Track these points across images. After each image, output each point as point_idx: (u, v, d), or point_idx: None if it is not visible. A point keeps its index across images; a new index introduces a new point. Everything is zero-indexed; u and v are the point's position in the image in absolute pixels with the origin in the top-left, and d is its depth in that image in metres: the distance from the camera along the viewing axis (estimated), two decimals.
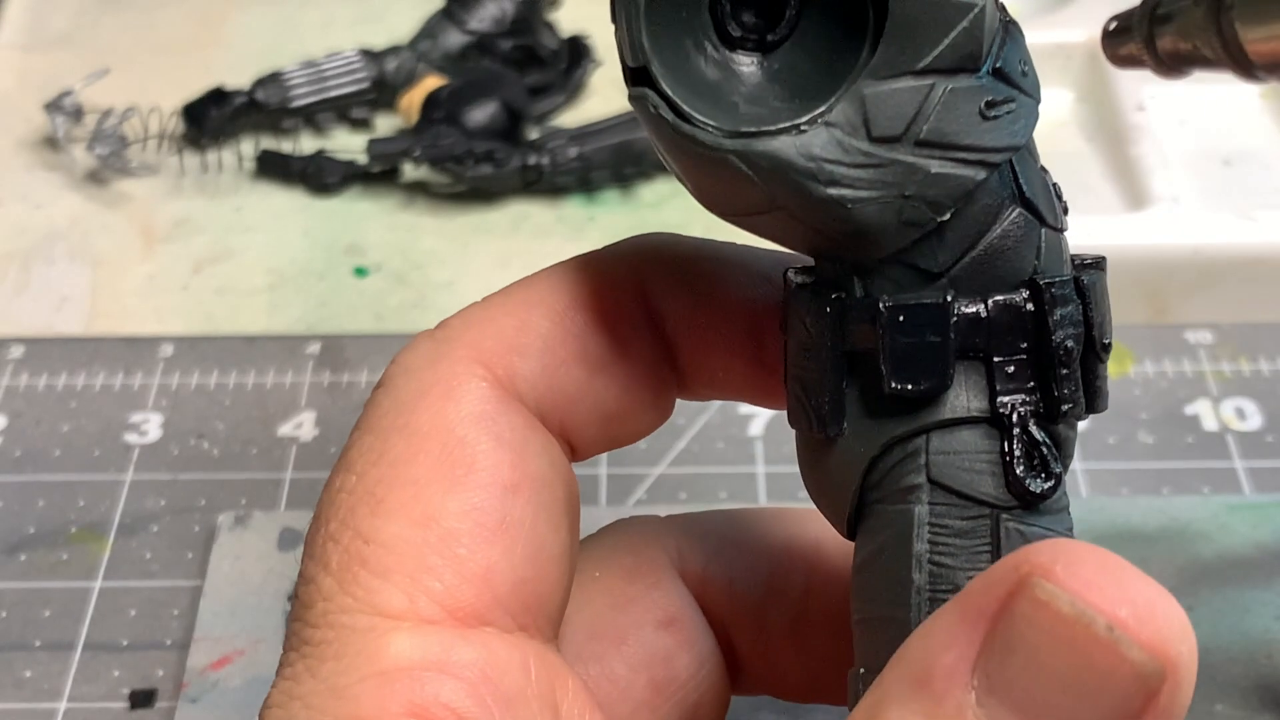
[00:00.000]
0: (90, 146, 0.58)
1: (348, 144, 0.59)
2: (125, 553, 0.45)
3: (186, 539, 0.45)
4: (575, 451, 0.28)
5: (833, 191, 0.24)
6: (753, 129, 0.24)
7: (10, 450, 0.48)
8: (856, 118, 0.24)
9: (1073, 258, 0.26)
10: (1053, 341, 0.24)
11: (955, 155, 0.24)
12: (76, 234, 0.57)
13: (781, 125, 0.24)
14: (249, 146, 0.59)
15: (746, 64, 0.25)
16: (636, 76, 0.25)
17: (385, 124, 0.61)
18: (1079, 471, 0.46)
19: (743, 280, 0.28)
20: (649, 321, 0.28)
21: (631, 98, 0.25)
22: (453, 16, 0.62)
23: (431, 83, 0.59)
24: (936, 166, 0.24)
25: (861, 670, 0.25)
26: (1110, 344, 0.26)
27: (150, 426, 0.49)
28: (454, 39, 0.62)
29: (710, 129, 0.24)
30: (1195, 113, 0.58)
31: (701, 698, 0.30)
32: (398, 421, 0.27)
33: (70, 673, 0.42)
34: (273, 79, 0.60)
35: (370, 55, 0.61)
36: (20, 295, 0.55)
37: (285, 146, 0.59)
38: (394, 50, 0.61)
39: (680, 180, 0.26)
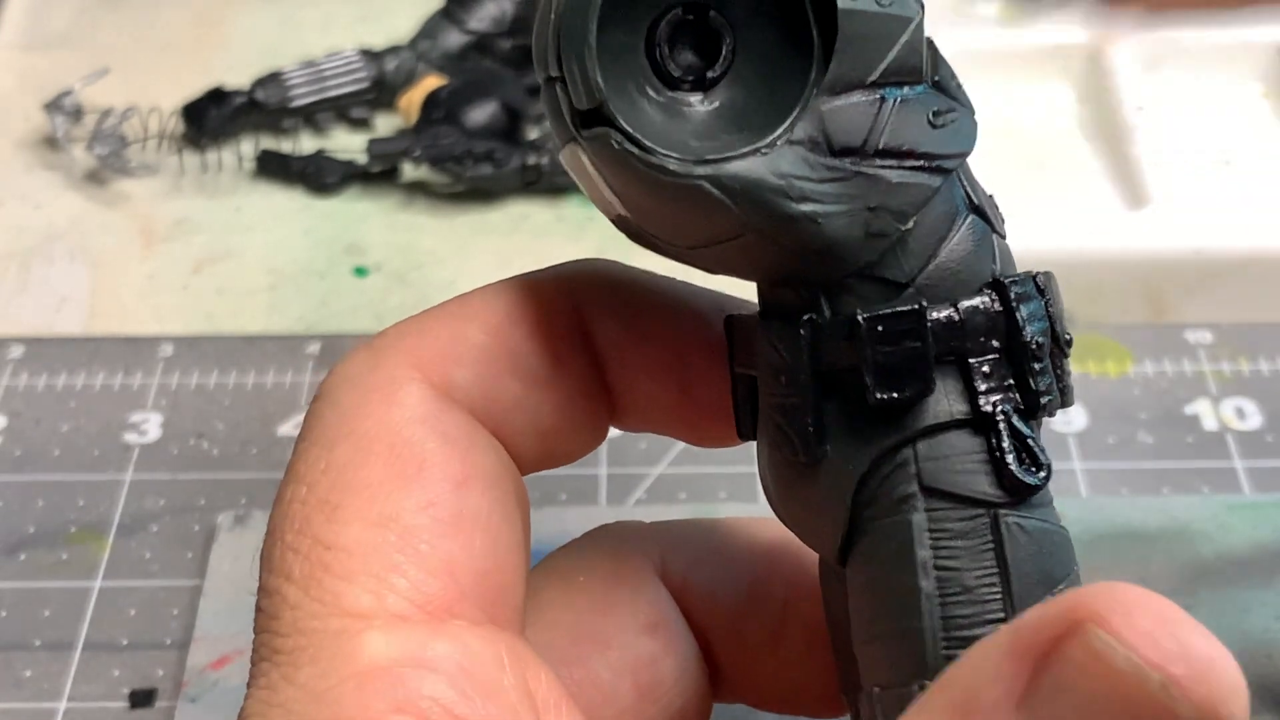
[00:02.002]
0: (90, 146, 0.58)
1: (348, 144, 0.59)
2: (125, 552, 0.45)
3: (186, 539, 0.45)
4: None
5: (804, 208, 0.24)
6: (719, 155, 0.24)
7: (10, 450, 0.48)
8: (817, 133, 0.24)
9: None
10: (1024, 337, 0.25)
11: (912, 163, 0.25)
12: (76, 234, 0.57)
13: (747, 149, 0.24)
14: (249, 146, 0.59)
15: (690, 102, 0.25)
16: (587, 119, 0.25)
17: (385, 124, 0.61)
18: (1079, 471, 0.46)
19: (677, 314, 0.29)
20: (584, 344, 0.28)
21: (586, 139, 0.25)
22: (452, 16, 0.62)
23: (431, 83, 0.59)
24: (896, 176, 0.25)
25: (876, 689, 0.25)
26: (1071, 339, 0.27)
27: (150, 426, 0.49)
28: (454, 39, 0.62)
29: (677, 158, 0.24)
30: (1195, 113, 0.58)
31: (686, 703, 0.30)
32: (342, 429, 0.27)
33: (70, 672, 0.42)
34: (273, 79, 0.60)
35: (370, 55, 0.61)
36: (20, 295, 0.55)
37: (285, 146, 0.59)
38: (394, 50, 0.61)
39: (630, 225, 0.26)
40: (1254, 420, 0.48)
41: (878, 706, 0.25)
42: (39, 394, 0.50)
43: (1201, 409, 0.48)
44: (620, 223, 0.27)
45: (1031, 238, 0.52)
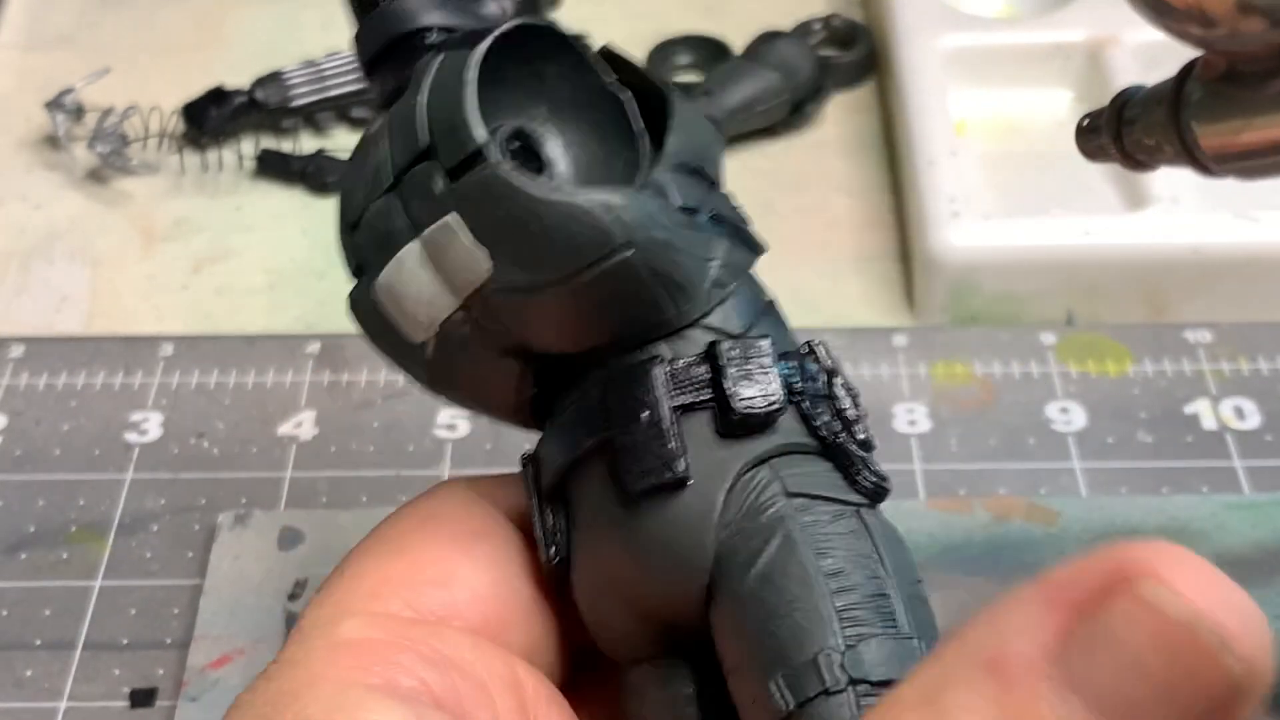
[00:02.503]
0: (91, 145, 0.58)
1: (347, 143, 0.59)
2: (125, 552, 0.45)
3: (186, 538, 0.45)
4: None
5: (668, 236, 0.27)
6: (595, 186, 0.28)
7: (10, 450, 0.48)
8: (667, 190, 0.28)
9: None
10: (836, 380, 0.29)
11: (736, 235, 0.29)
12: (76, 233, 0.57)
13: (615, 187, 0.27)
14: (249, 146, 0.59)
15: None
16: (458, 172, 0.27)
17: None
18: (1078, 471, 0.46)
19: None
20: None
21: (468, 184, 0.27)
22: None
23: None
24: (727, 242, 0.28)
25: (782, 675, 0.25)
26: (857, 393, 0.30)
27: (150, 426, 0.49)
28: None
29: (559, 185, 0.28)
30: None
31: None
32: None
33: (70, 672, 0.42)
34: (273, 78, 0.60)
35: None
36: (20, 295, 0.55)
37: (285, 146, 0.59)
38: None
39: (465, 318, 0.29)
40: (1253, 420, 0.48)
41: (784, 687, 0.25)
42: (39, 394, 0.50)
43: (1201, 408, 0.48)
44: (441, 343, 0.29)
45: (1032, 237, 0.52)
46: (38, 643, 0.43)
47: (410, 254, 0.27)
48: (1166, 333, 0.51)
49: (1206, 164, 0.28)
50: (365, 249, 0.28)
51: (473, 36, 0.29)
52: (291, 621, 0.42)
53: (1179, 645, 0.20)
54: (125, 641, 0.43)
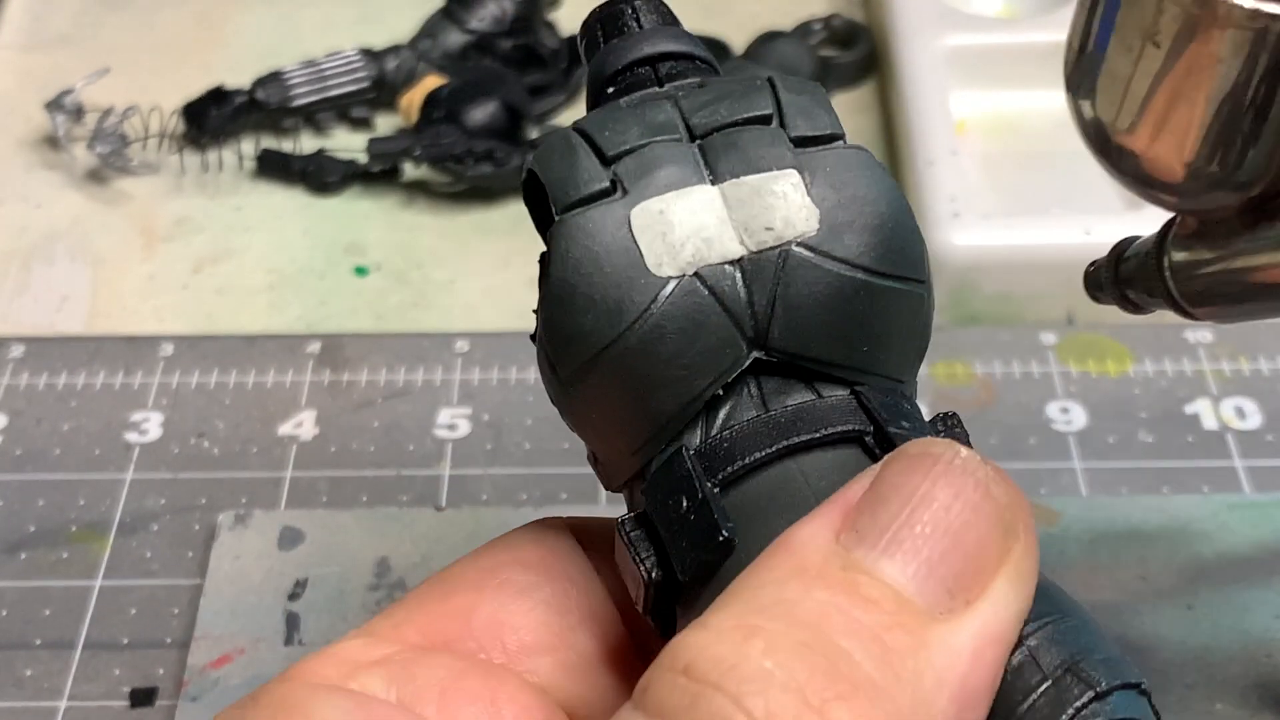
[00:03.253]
0: (91, 146, 0.58)
1: (348, 143, 0.59)
2: (125, 552, 0.45)
3: (187, 538, 0.45)
4: None
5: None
6: None
7: (10, 449, 0.48)
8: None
9: None
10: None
11: None
12: (77, 233, 0.57)
13: None
14: (249, 146, 0.59)
15: None
16: (811, 141, 0.27)
17: (385, 123, 0.61)
18: (1079, 471, 0.46)
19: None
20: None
21: (836, 154, 0.27)
22: (453, 16, 0.62)
23: (431, 82, 0.59)
24: None
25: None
26: None
27: (150, 425, 0.49)
28: (454, 38, 0.62)
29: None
30: None
31: None
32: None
33: (71, 671, 0.42)
34: (273, 78, 0.60)
35: (370, 55, 0.61)
36: (20, 295, 0.55)
37: (285, 146, 0.59)
38: (394, 50, 0.61)
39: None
40: (1254, 420, 0.48)
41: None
42: (40, 393, 0.50)
43: (1201, 408, 0.48)
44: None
45: (1032, 237, 0.52)
46: (38, 642, 0.43)
47: (702, 194, 0.26)
48: (1167, 332, 0.51)
49: (1191, 314, 0.30)
50: (626, 179, 0.26)
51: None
52: (292, 621, 0.42)
53: (951, 479, 0.22)
54: (125, 641, 0.43)
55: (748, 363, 0.26)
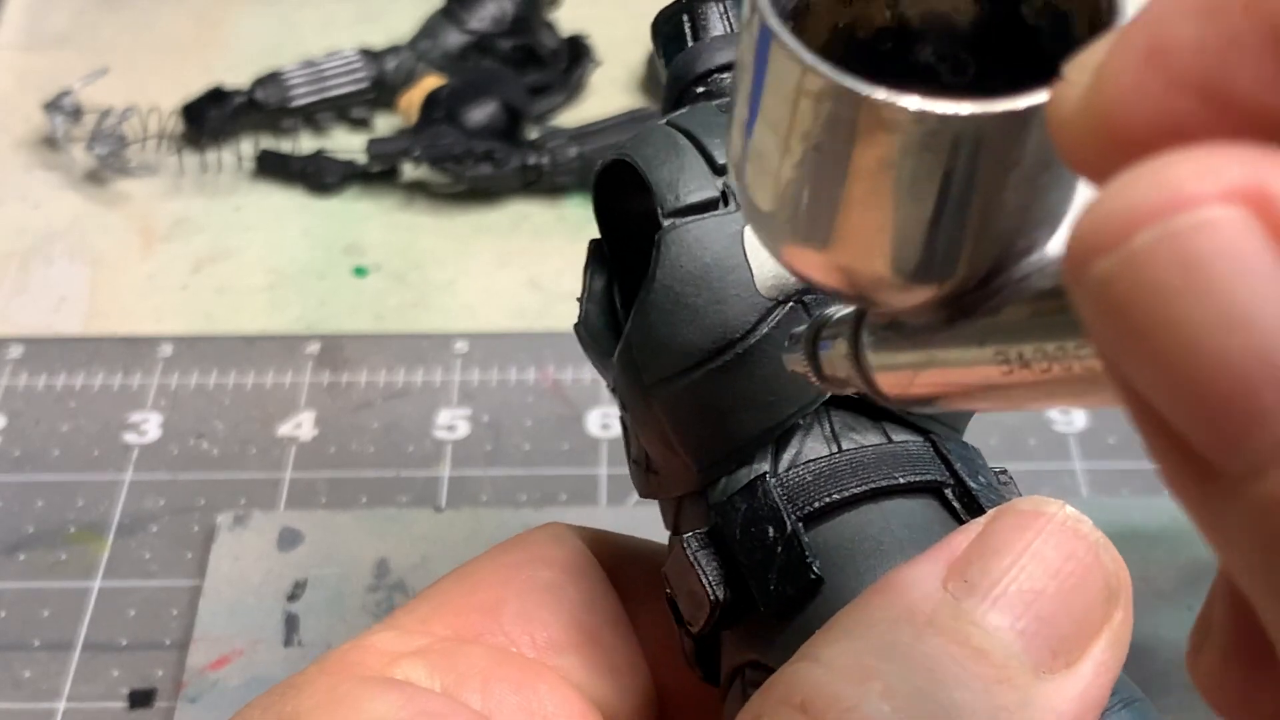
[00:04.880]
0: (89, 146, 0.58)
1: (347, 144, 0.59)
2: (124, 552, 0.45)
3: (186, 539, 0.45)
4: None
5: None
6: None
7: (10, 450, 0.48)
8: None
9: None
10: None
11: None
12: (75, 234, 0.57)
13: None
14: (249, 146, 0.59)
15: None
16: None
17: (385, 124, 0.61)
18: (1079, 471, 0.46)
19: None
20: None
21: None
22: (453, 16, 0.62)
23: (431, 82, 0.59)
24: None
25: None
26: None
27: (149, 426, 0.49)
28: (454, 39, 0.62)
29: None
30: None
31: None
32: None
33: (69, 672, 0.42)
34: (272, 79, 0.60)
35: (370, 55, 0.61)
36: (19, 295, 0.55)
37: (285, 146, 0.59)
38: (394, 50, 0.61)
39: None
40: None
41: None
42: (39, 394, 0.50)
43: None
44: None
45: None
46: (37, 643, 0.43)
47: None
48: None
49: (888, 403, 0.29)
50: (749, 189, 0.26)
51: None
52: (291, 622, 0.42)
53: (1063, 539, 0.22)
54: (124, 642, 0.42)
55: (829, 395, 0.26)
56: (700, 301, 0.25)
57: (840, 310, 0.24)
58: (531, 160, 0.56)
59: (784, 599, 0.24)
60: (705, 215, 0.26)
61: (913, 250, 0.20)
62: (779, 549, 0.25)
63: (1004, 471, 0.27)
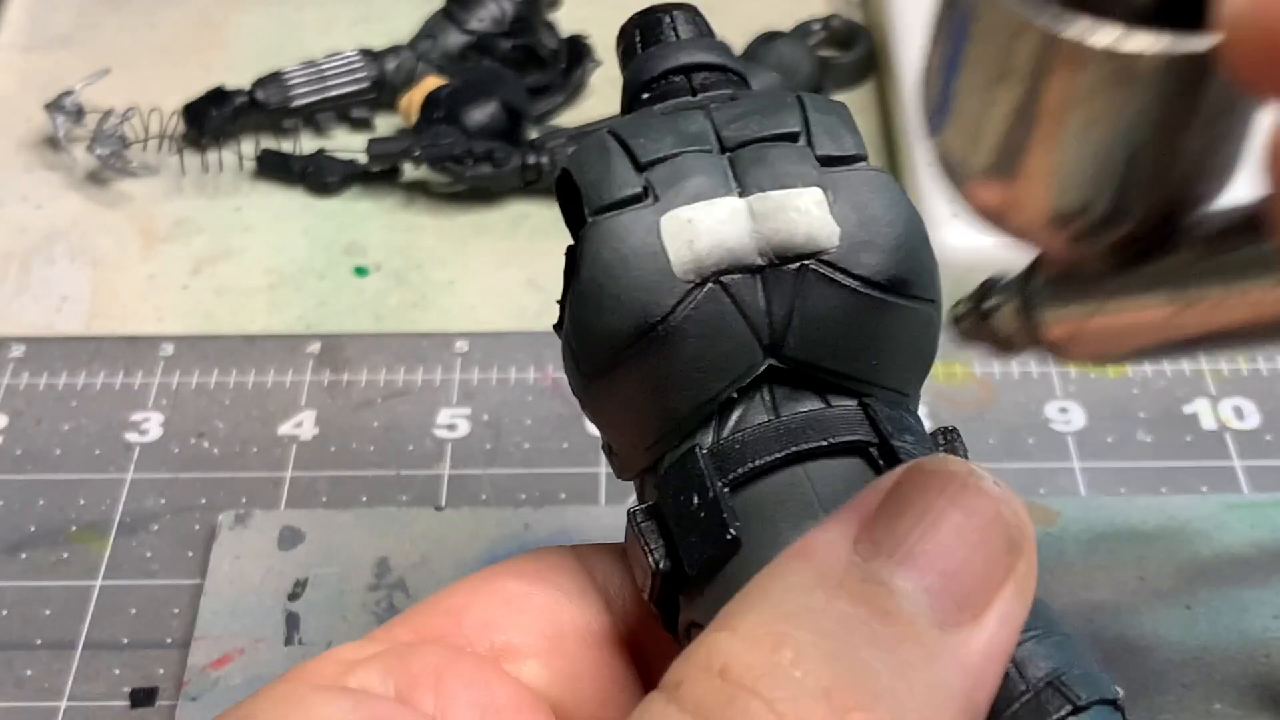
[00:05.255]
0: (90, 147, 0.58)
1: (348, 144, 0.59)
2: (126, 551, 0.45)
3: (187, 538, 0.45)
4: None
5: None
6: None
7: (11, 449, 0.48)
8: None
9: None
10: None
11: None
12: (76, 234, 0.57)
13: None
14: (249, 146, 0.59)
15: None
16: (837, 161, 0.28)
17: (385, 124, 0.61)
18: (1077, 470, 0.46)
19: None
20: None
21: (861, 175, 0.28)
22: (452, 16, 0.62)
23: (431, 83, 0.59)
24: None
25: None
26: None
27: (150, 426, 0.49)
28: (454, 39, 0.62)
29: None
30: None
31: None
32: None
33: (71, 671, 0.42)
34: (273, 79, 0.60)
35: (370, 55, 0.61)
36: (20, 295, 0.55)
37: (285, 146, 0.59)
38: (394, 50, 0.61)
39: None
40: (1252, 420, 0.48)
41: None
42: (40, 393, 0.50)
43: (1200, 408, 0.48)
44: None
45: None
46: (38, 642, 0.43)
47: (729, 205, 0.27)
48: None
49: (1057, 354, 0.29)
50: (658, 185, 0.27)
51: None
52: (292, 621, 0.42)
53: (965, 494, 0.23)
54: (125, 641, 0.43)
55: (762, 369, 0.27)
56: (621, 289, 0.26)
57: (1004, 279, 0.27)
58: (531, 160, 0.56)
59: (706, 560, 0.26)
60: (624, 209, 0.27)
61: (1096, 188, 0.22)
62: (701, 513, 0.26)
63: (952, 430, 0.28)
